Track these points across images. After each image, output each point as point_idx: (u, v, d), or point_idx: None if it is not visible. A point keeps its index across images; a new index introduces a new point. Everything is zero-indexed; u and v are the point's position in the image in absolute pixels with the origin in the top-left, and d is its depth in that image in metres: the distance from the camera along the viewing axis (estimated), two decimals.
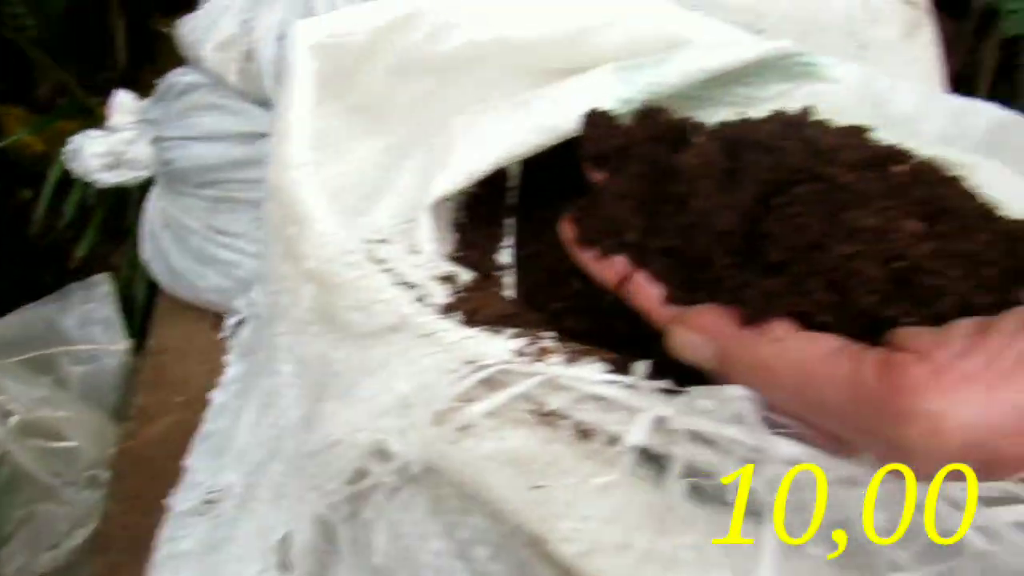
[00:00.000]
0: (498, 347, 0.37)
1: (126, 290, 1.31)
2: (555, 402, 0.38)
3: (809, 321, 0.36)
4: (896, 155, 0.39)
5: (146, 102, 1.02)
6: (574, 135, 0.52)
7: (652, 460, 0.41)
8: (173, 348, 0.95)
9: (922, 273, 0.34)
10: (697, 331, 0.39)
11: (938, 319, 0.34)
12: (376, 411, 0.39)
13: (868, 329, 0.36)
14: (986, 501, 0.34)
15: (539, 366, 0.37)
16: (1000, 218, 0.38)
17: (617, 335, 0.48)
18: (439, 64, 0.53)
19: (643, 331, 0.43)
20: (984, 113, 0.61)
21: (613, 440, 0.38)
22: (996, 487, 0.33)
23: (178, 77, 0.96)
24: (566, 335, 0.51)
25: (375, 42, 0.48)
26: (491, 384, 0.38)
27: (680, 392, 0.36)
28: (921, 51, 0.79)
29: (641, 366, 0.36)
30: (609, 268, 0.44)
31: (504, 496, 0.34)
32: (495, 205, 0.57)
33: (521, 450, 0.36)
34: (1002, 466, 0.31)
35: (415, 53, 0.50)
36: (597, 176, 0.47)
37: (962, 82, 1.39)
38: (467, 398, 0.37)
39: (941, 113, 0.62)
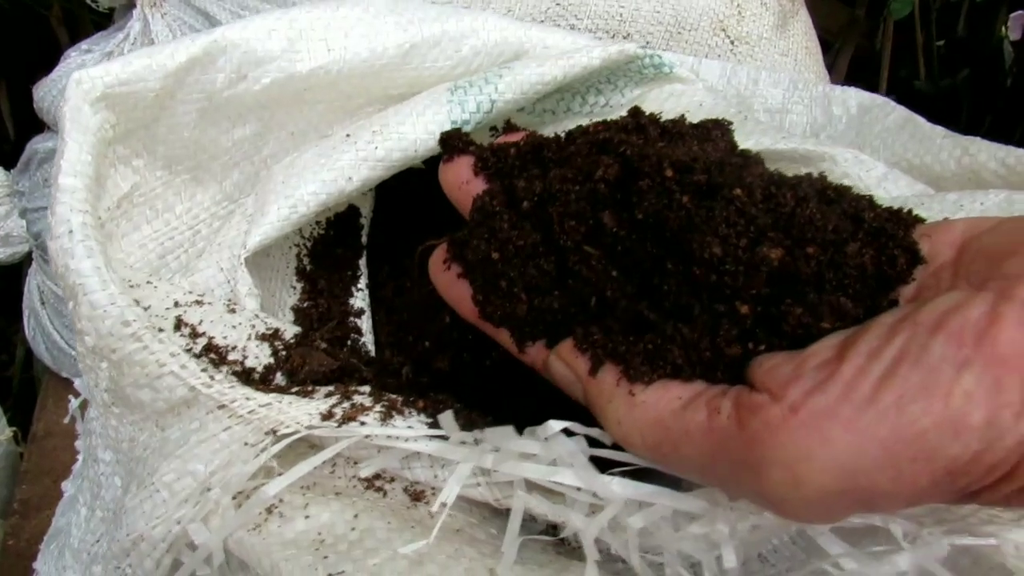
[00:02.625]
0: (302, 411, 0.33)
1: (26, 371, 1.24)
2: (379, 463, 0.34)
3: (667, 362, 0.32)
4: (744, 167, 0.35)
5: (13, 173, 0.96)
6: (408, 164, 0.48)
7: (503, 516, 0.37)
8: (61, 431, 0.88)
9: (790, 309, 0.31)
10: (567, 365, 0.35)
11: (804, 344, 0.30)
12: (177, 498, 0.34)
13: (730, 367, 0.32)
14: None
15: (349, 427, 0.33)
16: (866, 214, 0.34)
17: (491, 373, 0.44)
18: (258, 104, 0.49)
19: (520, 368, 0.39)
20: (850, 99, 0.58)
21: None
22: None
23: (39, 144, 0.91)
24: (435, 379, 0.47)
25: (174, 86, 0.44)
26: (299, 453, 0.34)
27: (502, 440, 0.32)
28: (795, 42, 0.78)
29: (449, 416, 0.32)
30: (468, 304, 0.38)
31: None
32: (347, 247, 0.53)
33: (331, 528, 0.32)
34: (885, 500, 0.27)
35: (226, 94, 0.46)
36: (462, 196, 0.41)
37: (862, 66, 1.39)
38: (268, 473, 0.33)
39: (808, 103, 0.60)
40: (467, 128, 0.49)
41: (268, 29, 0.47)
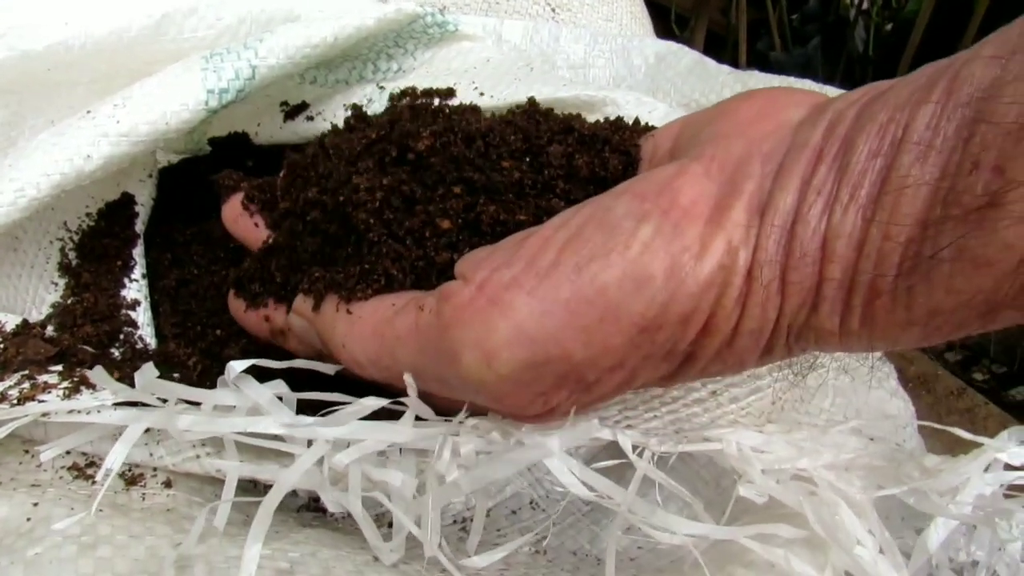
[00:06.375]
0: None
1: None
2: (68, 443, 0.30)
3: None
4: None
5: None
6: (161, 138, 0.45)
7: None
8: None
9: (485, 208, 0.31)
10: (299, 315, 0.34)
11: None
12: None
13: (444, 273, 0.31)
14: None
15: (25, 407, 0.29)
16: (576, 123, 0.35)
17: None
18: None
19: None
20: (648, 48, 0.58)
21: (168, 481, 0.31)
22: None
23: None
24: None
25: None
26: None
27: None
28: (619, 7, 0.77)
29: (100, 371, 0.28)
30: (258, 317, 0.39)
31: None
32: (118, 237, 0.50)
33: (5, 523, 0.28)
34: (588, 370, 0.25)
35: None
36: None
37: (720, 42, 1.41)
38: None
39: (609, 56, 0.59)
40: (227, 97, 0.46)
41: None
